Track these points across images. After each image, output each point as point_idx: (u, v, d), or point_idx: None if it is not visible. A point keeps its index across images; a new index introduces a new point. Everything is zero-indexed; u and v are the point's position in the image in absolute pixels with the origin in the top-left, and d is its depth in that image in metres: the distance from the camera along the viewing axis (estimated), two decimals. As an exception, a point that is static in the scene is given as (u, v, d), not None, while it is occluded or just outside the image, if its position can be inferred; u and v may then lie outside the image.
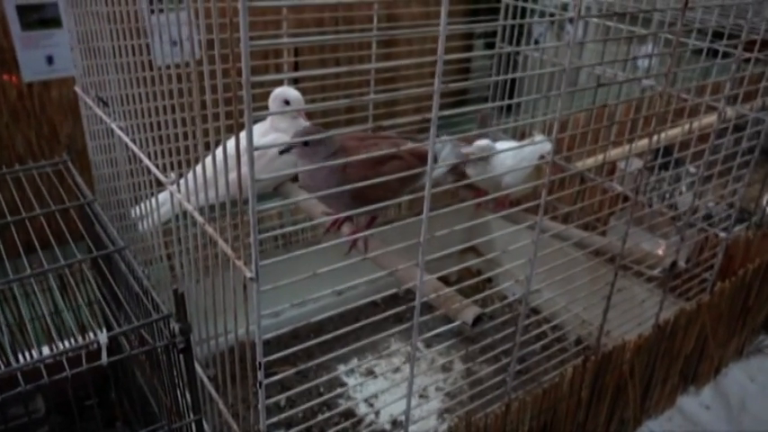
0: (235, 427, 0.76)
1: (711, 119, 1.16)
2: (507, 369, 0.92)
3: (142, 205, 0.87)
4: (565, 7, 1.51)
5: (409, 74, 1.42)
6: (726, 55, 1.05)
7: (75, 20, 0.94)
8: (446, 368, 1.38)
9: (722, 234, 1.20)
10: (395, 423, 1.21)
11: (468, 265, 1.08)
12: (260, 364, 0.59)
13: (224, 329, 0.73)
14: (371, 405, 1.25)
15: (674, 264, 1.07)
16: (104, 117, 0.90)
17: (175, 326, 0.64)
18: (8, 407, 0.84)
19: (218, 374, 0.78)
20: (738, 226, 1.33)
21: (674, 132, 1.28)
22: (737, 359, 1.43)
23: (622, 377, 1.09)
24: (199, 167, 0.67)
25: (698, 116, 1.21)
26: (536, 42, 2.33)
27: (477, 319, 0.76)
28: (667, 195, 1.22)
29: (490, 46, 2.66)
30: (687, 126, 1.20)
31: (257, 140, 0.95)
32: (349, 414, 1.22)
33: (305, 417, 1.17)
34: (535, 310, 1.25)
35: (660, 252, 1.10)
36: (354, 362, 1.36)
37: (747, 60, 1.06)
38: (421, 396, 1.28)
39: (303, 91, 1.09)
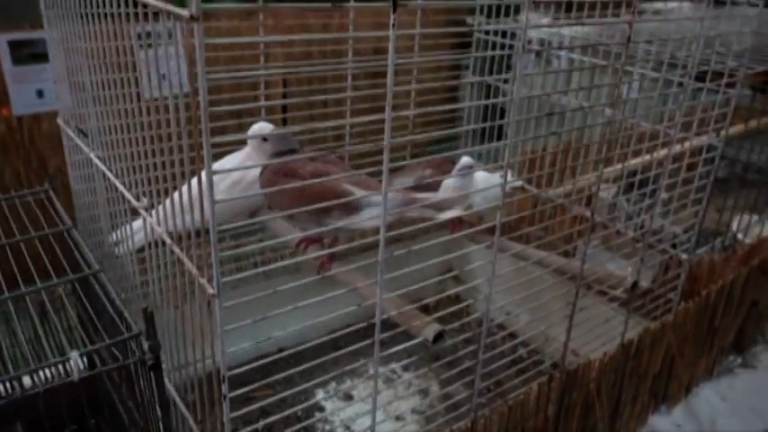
0: None
1: (676, 147, 1.21)
2: (472, 386, 0.96)
3: (119, 231, 0.91)
4: (543, 43, 1.57)
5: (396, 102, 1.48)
6: (680, 84, 1.11)
7: (60, 55, 0.99)
8: (423, 391, 1.40)
9: (684, 256, 1.24)
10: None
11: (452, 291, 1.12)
12: (223, 377, 0.62)
13: (201, 354, 0.76)
14: (348, 428, 1.27)
15: (635, 284, 1.11)
16: (84, 147, 0.94)
17: (145, 343, 0.67)
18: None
19: (195, 400, 0.80)
20: (702, 248, 1.37)
21: (636, 160, 1.33)
22: (708, 379, 1.46)
23: (589, 395, 1.12)
24: (175, 195, 0.71)
25: (668, 145, 1.26)
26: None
27: (438, 336, 0.80)
28: (633, 218, 1.27)
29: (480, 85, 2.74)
30: (650, 154, 1.25)
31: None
32: (324, 436, 1.24)
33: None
34: (502, 326, 1.29)
35: (625, 273, 1.14)
36: (333, 386, 1.38)
37: (701, 89, 1.12)
38: (397, 418, 1.30)
39: (293, 120, 1.13)
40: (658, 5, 2.20)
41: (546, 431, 1.07)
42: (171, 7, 0.55)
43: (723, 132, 1.12)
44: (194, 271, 0.64)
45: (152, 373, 0.68)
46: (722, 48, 1.08)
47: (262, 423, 0.83)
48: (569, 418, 1.11)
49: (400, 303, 0.82)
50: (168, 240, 0.71)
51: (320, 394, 1.35)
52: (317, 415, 1.30)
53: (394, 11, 0.57)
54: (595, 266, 1.12)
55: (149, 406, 0.72)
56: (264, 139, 1.02)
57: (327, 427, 1.28)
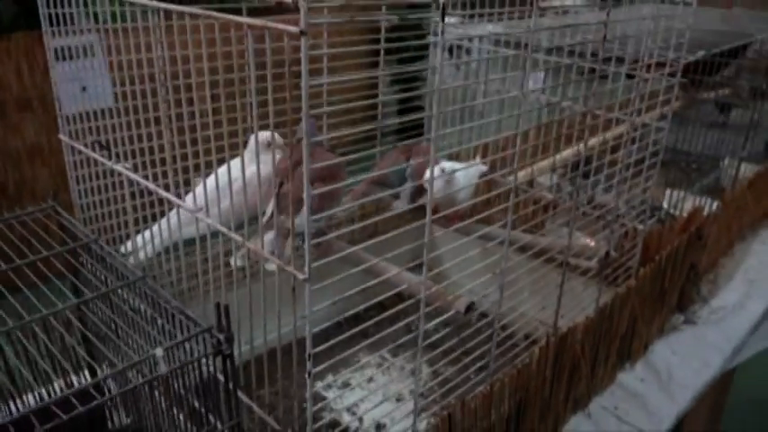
0: (273, 422, 0.84)
1: (621, 129, 1.37)
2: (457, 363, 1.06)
3: (147, 233, 0.94)
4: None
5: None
6: (629, 76, 1.27)
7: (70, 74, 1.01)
8: (415, 373, 1.49)
9: (640, 227, 1.41)
10: (378, 426, 1.31)
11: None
12: (309, 355, 0.68)
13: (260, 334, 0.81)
14: (354, 413, 1.34)
15: (607, 253, 1.25)
16: (102, 160, 0.96)
17: (220, 335, 0.72)
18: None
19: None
20: (650, 220, 1.55)
21: (591, 143, 1.48)
22: (660, 336, 1.65)
23: (576, 357, 1.26)
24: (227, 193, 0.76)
25: (610, 128, 1.42)
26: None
27: (468, 308, 0.89)
28: (594, 198, 1.42)
29: (397, 83, 2.88)
30: (601, 137, 1.41)
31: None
32: (335, 424, 1.30)
33: None
34: (484, 315, 1.41)
35: (592, 244, 1.28)
36: (329, 378, 1.44)
37: (646, 80, 1.28)
38: (397, 399, 1.38)
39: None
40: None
41: (544, 391, 1.19)
42: (280, 25, 0.61)
43: (668, 115, 1.29)
44: (278, 262, 0.70)
45: (226, 363, 0.73)
46: (663, 43, 1.24)
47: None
48: (561, 378, 1.23)
49: (429, 284, 0.91)
50: (238, 238, 0.76)
51: (318, 384, 1.41)
52: (320, 404, 1.36)
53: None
54: (571, 240, 1.25)
55: (217, 393, 0.77)
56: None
57: (333, 414, 1.34)
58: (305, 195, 0.63)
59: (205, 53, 0.84)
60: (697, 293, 1.81)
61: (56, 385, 1.07)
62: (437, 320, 0.91)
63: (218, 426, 0.77)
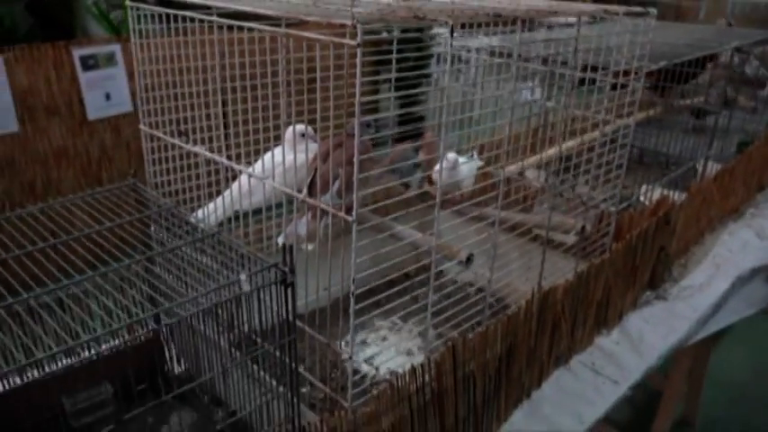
0: (322, 338, 1.09)
1: (595, 133, 1.63)
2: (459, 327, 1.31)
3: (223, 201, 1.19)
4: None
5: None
6: (615, 87, 1.53)
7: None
8: (421, 333, 1.74)
9: (612, 209, 1.66)
10: (392, 374, 1.55)
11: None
12: (352, 293, 0.93)
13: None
14: (371, 364, 1.59)
15: (583, 227, 1.51)
16: (180, 144, 1.22)
17: (285, 268, 0.97)
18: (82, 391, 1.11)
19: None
20: (621, 205, 1.80)
21: (571, 143, 1.74)
22: (634, 309, 1.90)
23: (557, 316, 1.50)
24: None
25: (591, 130, 1.68)
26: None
27: (468, 258, 1.14)
28: (575, 187, 1.67)
29: (398, 89, 3.16)
30: (581, 138, 1.67)
31: (288, 156, 1.31)
32: (355, 372, 1.55)
33: (322, 377, 1.49)
34: (471, 284, 1.66)
35: (572, 221, 1.54)
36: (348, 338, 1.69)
37: (616, 86, 1.54)
38: (408, 354, 1.63)
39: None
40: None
41: (530, 341, 1.43)
42: (341, 40, 0.86)
43: (633, 116, 1.55)
44: (340, 214, 0.95)
45: (289, 291, 0.98)
46: (628, 53, 1.51)
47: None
48: (544, 332, 1.48)
49: (440, 242, 1.16)
50: (311, 201, 1.01)
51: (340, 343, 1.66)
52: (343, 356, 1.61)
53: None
54: (543, 217, 1.51)
55: (279, 315, 1.01)
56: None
57: (354, 365, 1.58)
58: (355, 174, 0.88)
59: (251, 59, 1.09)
60: (668, 274, 2.06)
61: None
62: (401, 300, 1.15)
63: (280, 340, 1.02)
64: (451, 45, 0.90)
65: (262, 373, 1.12)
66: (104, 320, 1.27)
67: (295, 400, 1.08)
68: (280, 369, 1.06)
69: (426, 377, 1.14)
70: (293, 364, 1.02)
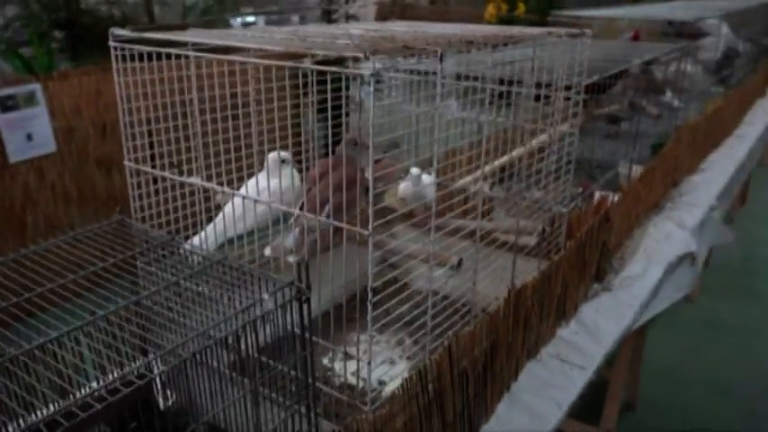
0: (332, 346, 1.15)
1: (543, 137, 1.79)
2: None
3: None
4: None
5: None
6: (547, 96, 1.69)
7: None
8: (398, 342, 1.82)
9: (564, 210, 1.82)
10: (380, 382, 1.62)
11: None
12: (369, 287, 1.01)
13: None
14: (356, 376, 1.65)
15: (544, 229, 1.65)
16: (174, 177, 1.25)
17: (301, 285, 1.03)
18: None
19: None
20: (571, 206, 1.97)
21: (520, 151, 1.89)
22: (585, 301, 2.06)
23: (528, 311, 1.63)
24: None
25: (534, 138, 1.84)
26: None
27: (459, 263, 1.24)
28: (527, 192, 1.82)
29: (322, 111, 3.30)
30: (529, 144, 1.82)
31: (273, 180, 1.37)
32: (346, 386, 1.61)
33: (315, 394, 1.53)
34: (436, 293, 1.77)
35: (534, 224, 1.68)
36: (330, 354, 1.75)
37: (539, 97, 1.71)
38: (390, 363, 1.70)
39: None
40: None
41: (508, 337, 1.55)
42: (356, 70, 0.94)
43: (577, 124, 1.72)
44: (355, 228, 1.02)
45: (305, 307, 1.04)
46: (568, 69, 1.67)
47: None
48: (518, 328, 1.60)
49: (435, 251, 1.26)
50: (323, 218, 1.07)
51: (325, 360, 1.71)
52: (328, 374, 1.66)
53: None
54: (511, 223, 1.64)
55: (294, 332, 1.07)
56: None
57: (342, 379, 1.64)
58: (370, 188, 0.96)
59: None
60: (610, 267, 2.25)
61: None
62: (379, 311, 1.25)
63: (298, 353, 1.08)
64: (441, 69, 1.00)
65: (273, 394, 1.16)
66: (99, 363, 1.27)
67: (312, 414, 1.13)
68: (296, 385, 1.11)
69: (429, 376, 1.22)
70: (311, 378, 1.08)
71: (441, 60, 1.00)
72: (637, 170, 2.71)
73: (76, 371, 1.27)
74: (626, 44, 3.51)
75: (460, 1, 14.06)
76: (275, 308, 1.00)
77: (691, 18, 3.62)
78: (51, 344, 1.07)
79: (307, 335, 1.07)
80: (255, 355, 1.10)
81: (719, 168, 3.44)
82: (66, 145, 4.06)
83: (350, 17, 6.89)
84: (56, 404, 1.03)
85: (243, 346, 1.06)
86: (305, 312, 1.05)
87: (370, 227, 0.97)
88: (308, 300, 1.04)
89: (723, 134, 3.95)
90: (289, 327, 1.07)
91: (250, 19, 9.10)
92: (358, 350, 1.14)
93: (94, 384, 1.18)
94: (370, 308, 1.01)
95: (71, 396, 1.17)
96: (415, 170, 1.67)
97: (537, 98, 1.68)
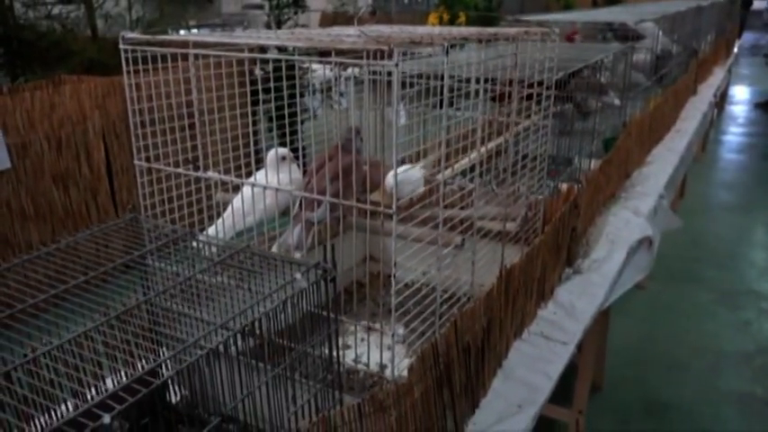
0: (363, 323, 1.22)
1: (520, 126, 1.91)
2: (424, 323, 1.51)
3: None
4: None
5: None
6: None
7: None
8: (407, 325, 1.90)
9: (540, 197, 1.95)
10: (381, 367, 1.70)
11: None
12: (395, 262, 1.09)
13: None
14: (359, 362, 1.72)
15: (526, 213, 1.77)
16: (188, 172, 1.30)
17: (328, 265, 1.11)
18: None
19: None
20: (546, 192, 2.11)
21: (499, 141, 2.02)
22: (560, 284, 2.20)
23: (515, 292, 1.74)
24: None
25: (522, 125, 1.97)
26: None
27: (463, 242, 1.34)
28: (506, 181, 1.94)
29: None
30: (504, 137, 1.94)
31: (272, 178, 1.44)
32: (350, 371, 1.67)
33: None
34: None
35: (517, 211, 1.79)
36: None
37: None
38: (388, 349, 1.78)
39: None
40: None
41: (500, 315, 1.65)
42: (381, 61, 1.02)
43: (549, 115, 1.85)
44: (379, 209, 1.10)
45: (331, 284, 1.12)
46: (540, 67, 1.81)
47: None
48: (507, 307, 1.71)
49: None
50: (346, 202, 1.15)
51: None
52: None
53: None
54: (492, 210, 1.75)
55: (321, 307, 1.14)
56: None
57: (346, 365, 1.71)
58: (394, 171, 1.04)
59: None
60: (578, 252, 2.40)
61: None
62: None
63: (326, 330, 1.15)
64: (446, 62, 1.10)
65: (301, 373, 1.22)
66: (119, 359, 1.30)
67: (337, 390, 1.20)
68: (322, 363, 1.18)
69: (440, 349, 1.31)
70: (338, 354, 1.15)
71: (446, 53, 1.10)
72: (593, 163, 2.89)
73: (97, 365, 1.30)
74: (574, 45, 3.72)
75: (401, 12, 14.36)
76: (308, 286, 1.07)
77: (632, 21, 3.87)
78: (78, 338, 1.11)
79: (334, 314, 1.14)
80: (285, 337, 1.16)
81: (664, 161, 3.69)
82: (20, 161, 3.96)
83: (299, 26, 6.96)
84: (77, 402, 1.06)
85: (274, 328, 1.12)
86: (330, 291, 1.13)
87: (394, 206, 1.05)
88: (333, 279, 1.12)
89: (664, 129, 4.22)
90: (314, 307, 1.14)
91: (194, 32, 9.06)
92: (381, 325, 1.21)
93: (123, 377, 1.21)
94: (393, 283, 1.09)
95: (89, 392, 1.19)
96: (404, 166, 1.76)
97: (503, 96, 1.80)
